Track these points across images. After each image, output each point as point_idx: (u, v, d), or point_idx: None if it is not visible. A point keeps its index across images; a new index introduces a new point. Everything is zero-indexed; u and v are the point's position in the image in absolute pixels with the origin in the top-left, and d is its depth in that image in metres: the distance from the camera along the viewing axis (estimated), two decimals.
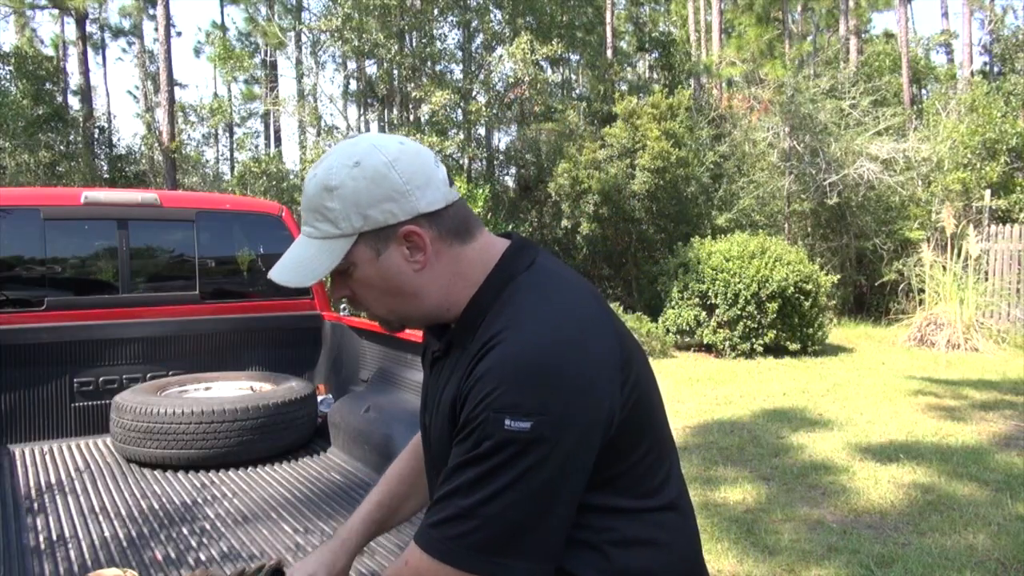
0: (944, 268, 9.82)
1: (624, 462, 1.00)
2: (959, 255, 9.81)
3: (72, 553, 2.24)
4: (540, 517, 0.92)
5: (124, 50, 33.26)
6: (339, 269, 1.03)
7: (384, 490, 1.34)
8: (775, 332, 8.83)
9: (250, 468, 3.08)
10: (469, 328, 1.03)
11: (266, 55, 20.07)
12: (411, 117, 14.64)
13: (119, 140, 19.39)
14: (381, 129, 17.23)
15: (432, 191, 1.02)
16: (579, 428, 0.93)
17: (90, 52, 21.06)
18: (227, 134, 22.58)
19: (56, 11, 19.11)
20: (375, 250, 1.02)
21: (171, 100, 15.18)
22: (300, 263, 1.03)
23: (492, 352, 0.94)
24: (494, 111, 14.20)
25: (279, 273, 1.05)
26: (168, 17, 15.48)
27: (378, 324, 1.13)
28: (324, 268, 1.01)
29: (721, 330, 9.02)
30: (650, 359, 1.14)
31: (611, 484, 1.00)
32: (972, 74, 18.80)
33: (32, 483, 2.85)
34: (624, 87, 19.77)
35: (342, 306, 4.64)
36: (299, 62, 17.60)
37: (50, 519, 2.50)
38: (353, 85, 18.25)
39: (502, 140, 16.40)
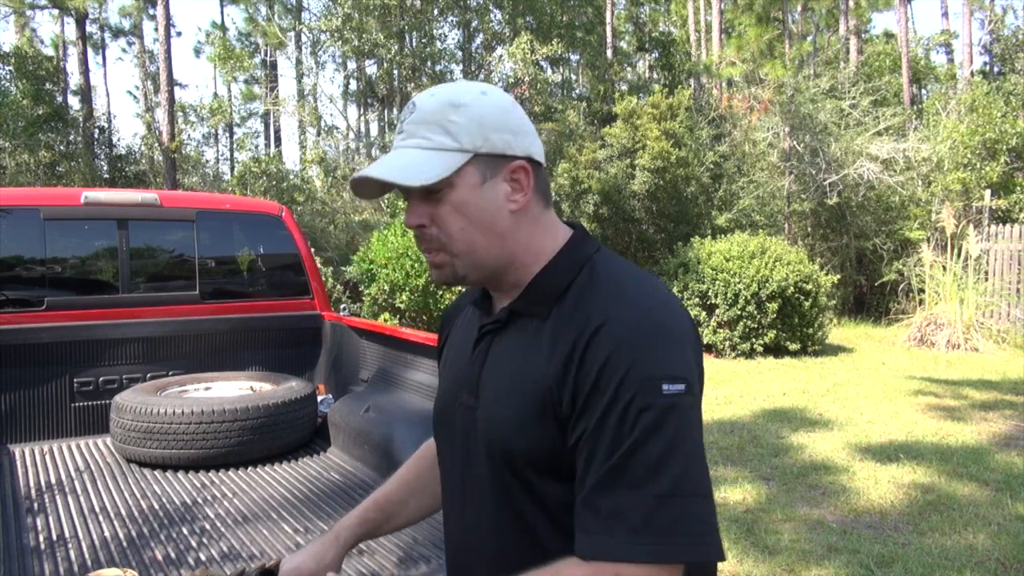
0: (944, 268, 9.82)
1: None
2: (959, 255, 9.81)
3: (72, 553, 2.24)
4: (710, 483, 0.90)
5: (124, 50, 33.25)
6: (434, 187, 0.97)
7: (384, 492, 1.31)
8: (775, 332, 8.83)
9: (250, 468, 3.08)
10: (540, 301, 0.99)
11: (266, 55, 20.08)
12: None
13: (119, 140, 19.40)
14: (381, 129, 17.22)
15: (539, 144, 1.03)
16: (699, 394, 0.93)
17: (90, 52, 21.08)
18: (227, 134, 22.59)
19: (56, 11, 19.11)
20: (482, 176, 0.98)
21: (171, 100, 15.18)
22: (409, 166, 0.97)
23: (608, 328, 0.90)
24: None
25: (385, 171, 0.97)
26: (168, 17, 15.49)
27: (434, 268, 1.04)
28: (436, 174, 0.96)
29: (721, 330, 9.02)
30: None
31: None
32: (972, 74, 18.81)
33: (32, 483, 2.85)
34: (624, 87, 19.78)
35: (342, 306, 4.64)
36: (299, 62, 17.61)
37: (50, 519, 2.50)
38: (353, 85, 18.26)
39: None
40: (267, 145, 22.97)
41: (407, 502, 1.30)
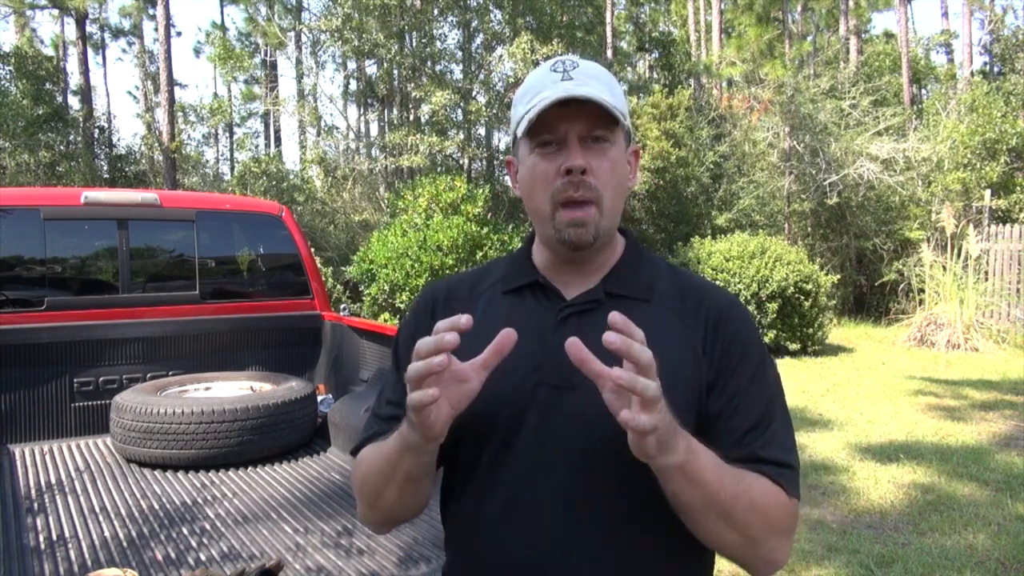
0: (944, 268, 9.82)
1: None
2: (959, 255, 9.80)
3: (72, 553, 2.24)
4: None
5: (124, 50, 33.22)
6: (604, 134, 0.99)
7: None
8: (775, 332, 8.83)
9: (250, 468, 3.08)
10: (635, 285, 1.05)
11: (266, 55, 20.06)
12: (411, 117, 14.63)
13: (119, 140, 19.38)
14: (381, 129, 17.22)
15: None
16: None
17: (90, 52, 21.07)
18: (227, 134, 22.58)
19: (56, 11, 19.10)
20: (624, 144, 1.05)
21: (171, 100, 15.17)
22: (614, 96, 1.00)
23: (729, 309, 1.05)
24: (494, 111, 14.19)
25: (595, 90, 0.97)
26: (168, 17, 15.48)
27: (571, 230, 0.99)
28: (623, 111, 1.01)
29: None
30: None
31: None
32: (972, 74, 18.81)
33: (32, 483, 2.85)
34: (624, 87, 19.78)
35: (342, 306, 4.64)
36: (299, 62, 17.60)
37: (50, 519, 2.50)
38: (353, 85, 18.24)
39: (502, 140, 16.39)
40: (267, 145, 22.96)
41: None
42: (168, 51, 15.14)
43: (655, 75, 21.88)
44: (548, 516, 0.95)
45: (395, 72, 14.64)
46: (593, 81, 0.99)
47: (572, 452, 0.94)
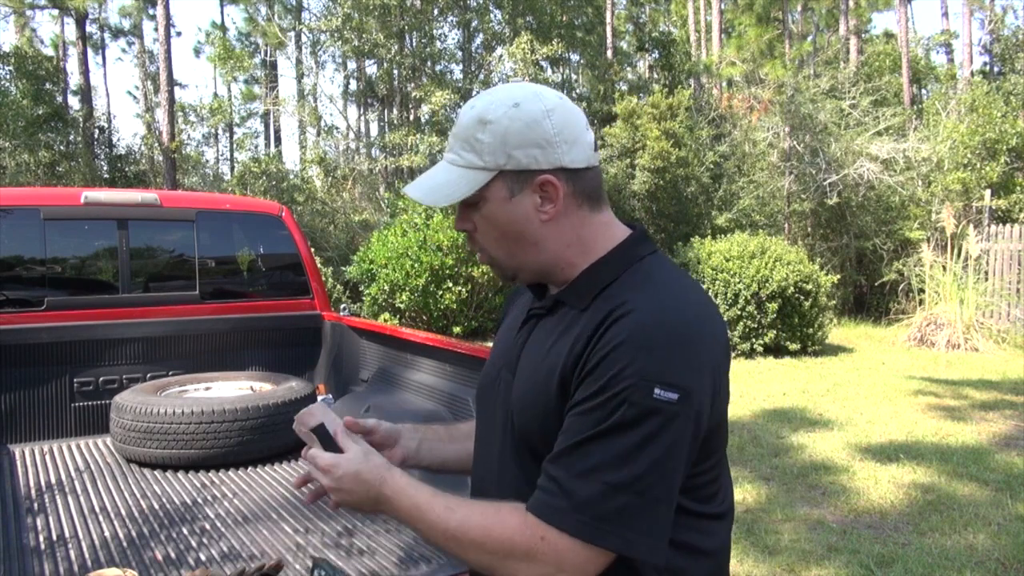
0: (944, 268, 9.82)
1: (705, 460, 1.01)
2: (959, 255, 9.80)
3: (72, 553, 2.24)
4: (673, 492, 0.93)
5: (124, 50, 33.26)
6: (470, 200, 1.05)
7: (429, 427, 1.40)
8: (775, 332, 8.83)
9: (250, 468, 3.08)
10: (584, 294, 1.04)
11: (266, 55, 20.08)
12: (411, 117, 14.64)
13: (119, 140, 19.39)
14: (381, 129, 17.23)
15: (578, 150, 1.05)
16: (705, 409, 0.94)
17: (90, 52, 21.07)
18: (227, 134, 22.58)
19: (56, 11, 19.11)
20: (510, 190, 1.04)
21: (171, 100, 15.17)
22: (438, 186, 1.05)
23: (627, 319, 0.94)
24: None
25: (417, 191, 1.08)
26: (168, 17, 15.48)
27: (491, 268, 1.13)
28: (460, 194, 1.04)
29: None
30: None
31: (687, 480, 0.98)
32: (972, 74, 18.81)
33: (32, 483, 2.85)
34: (624, 87, 19.77)
35: (342, 306, 4.64)
36: (299, 62, 17.61)
37: (50, 519, 2.50)
38: (353, 85, 18.25)
39: None
40: (267, 145, 22.97)
41: (451, 440, 1.37)
42: (168, 51, 15.15)
43: (655, 75, 21.87)
44: (499, 493, 1.08)
45: (395, 72, 14.65)
46: (449, 153, 1.07)
47: (509, 440, 1.09)
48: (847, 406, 6.34)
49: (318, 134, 16.74)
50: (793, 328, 8.96)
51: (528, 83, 1.09)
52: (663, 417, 0.90)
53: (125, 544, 2.31)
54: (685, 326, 0.94)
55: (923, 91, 22.11)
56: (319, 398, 3.66)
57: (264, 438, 3.11)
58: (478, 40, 15.77)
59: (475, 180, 1.03)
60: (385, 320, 9.06)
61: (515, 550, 0.94)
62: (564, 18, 16.74)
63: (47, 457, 3.17)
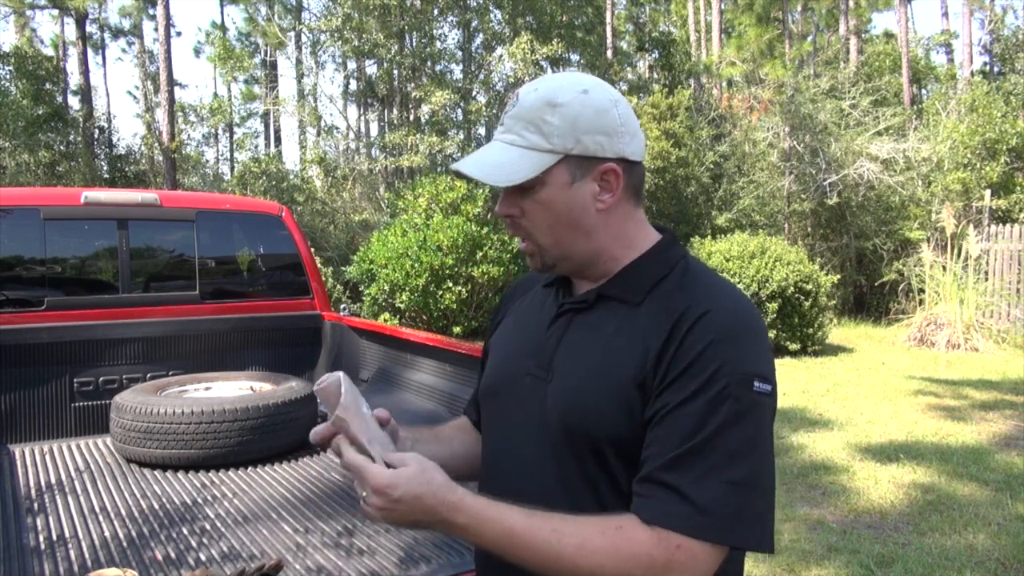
0: (944, 268, 9.82)
1: None
2: (959, 255, 9.80)
3: (72, 553, 2.24)
4: (775, 480, 0.96)
5: (124, 50, 33.26)
6: (526, 184, 1.02)
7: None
8: (775, 332, 8.83)
9: (250, 468, 3.08)
10: (637, 288, 1.03)
11: (266, 55, 20.08)
12: (411, 117, 14.64)
13: (119, 140, 19.39)
14: (381, 129, 17.23)
15: (636, 142, 1.05)
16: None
17: (90, 52, 21.07)
18: (227, 134, 22.59)
19: (56, 11, 19.11)
20: (572, 176, 1.02)
21: (171, 100, 15.18)
22: (499, 165, 1.01)
23: (710, 318, 0.94)
24: (494, 111, 14.20)
25: (474, 168, 1.03)
26: (168, 17, 15.48)
27: (527, 255, 1.09)
28: (522, 175, 1.00)
29: None
30: None
31: None
32: (972, 74, 18.82)
33: (32, 483, 2.85)
34: (624, 87, 19.77)
35: (342, 306, 4.64)
36: (299, 62, 17.62)
37: (50, 519, 2.50)
38: (353, 85, 18.26)
39: None
40: (267, 145, 22.98)
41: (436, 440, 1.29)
42: (168, 51, 15.15)
43: (655, 75, 21.88)
44: (513, 487, 1.07)
45: (395, 72, 14.65)
46: (508, 134, 1.03)
47: (548, 436, 1.05)
48: (847, 406, 6.34)
49: (318, 134, 16.75)
50: (793, 328, 8.96)
51: (584, 73, 1.09)
52: (763, 409, 0.93)
53: (125, 544, 2.31)
54: (758, 322, 0.99)
55: (923, 91, 22.12)
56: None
57: (264, 438, 3.11)
58: (478, 40, 15.78)
59: (540, 162, 1.00)
60: (385, 320, 9.06)
61: (654, 565, 0.91)
62: (564, 18, 16.74)
63: (47, 457, 3.17)
